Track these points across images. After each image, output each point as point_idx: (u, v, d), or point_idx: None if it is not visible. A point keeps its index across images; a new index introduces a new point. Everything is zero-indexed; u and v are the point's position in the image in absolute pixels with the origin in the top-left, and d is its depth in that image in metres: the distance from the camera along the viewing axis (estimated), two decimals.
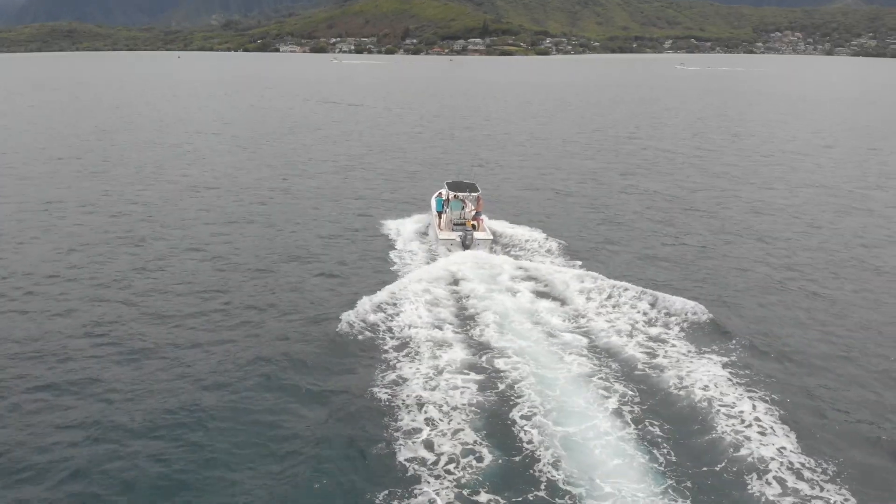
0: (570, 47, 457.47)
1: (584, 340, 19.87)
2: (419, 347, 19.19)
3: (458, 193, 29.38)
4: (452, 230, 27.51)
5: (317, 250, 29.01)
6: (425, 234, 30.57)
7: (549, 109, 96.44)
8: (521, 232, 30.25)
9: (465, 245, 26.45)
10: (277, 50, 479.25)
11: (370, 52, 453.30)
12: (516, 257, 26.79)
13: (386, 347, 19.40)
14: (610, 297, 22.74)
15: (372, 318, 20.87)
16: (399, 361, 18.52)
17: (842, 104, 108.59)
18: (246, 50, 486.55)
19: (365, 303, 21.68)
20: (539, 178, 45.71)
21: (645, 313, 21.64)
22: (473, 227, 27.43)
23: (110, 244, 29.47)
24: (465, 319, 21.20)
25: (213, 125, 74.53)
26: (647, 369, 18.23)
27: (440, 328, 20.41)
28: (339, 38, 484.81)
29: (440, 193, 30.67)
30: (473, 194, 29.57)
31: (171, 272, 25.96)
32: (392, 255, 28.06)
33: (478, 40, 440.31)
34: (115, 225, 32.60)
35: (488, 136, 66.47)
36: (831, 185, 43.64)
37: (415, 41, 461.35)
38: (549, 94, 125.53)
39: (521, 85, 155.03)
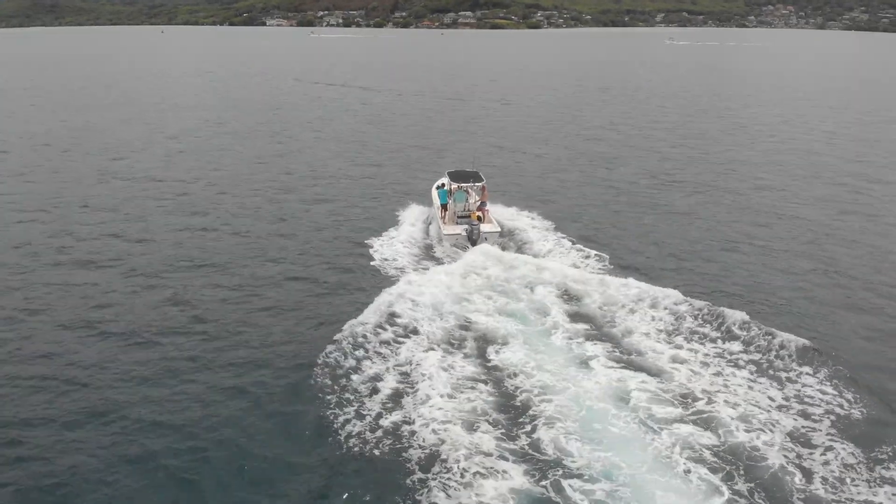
0: (561, 21, 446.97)
1: (705, 439, 13.45)
2: (446, 462, 12.71)
3: (462, 184, 27.23)
4: (457, 223, 25.91)
5: (302, 263, 23.84)
6: (427, 230, 27.31)
7: (550, 89, 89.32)
8: (536, 231, 26.40)
9: (472, 239, 24.25)
10: (264, 24, 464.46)
11: (359, 25, 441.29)
12: (549, 279, 20.78)
13: (401, 464, 12.86)
14: (703, 337, 17.24)
15: (379, 419, 14.48)
16: (422, 489, 12.05)
17: None
18: (232, 24, 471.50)
19: (356, 372, 15.72)
20: (546, 164, 40.03)
21: (767, 380, 15.61)
22: (479, 218, 25.33)
23: (63, 266, 23.62)
24: (514, 413, 14.42)
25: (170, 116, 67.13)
26: (796, 484, 12.19)
27: (475, 426, 13.84)
28: (326, 11, 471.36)
29: (442, 184, 28.34)
30: (478, 184, 27.29)
31: (146, 292, 21.25)
32: (389, 267, 23.06)
33: (468, 13, 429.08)
34: (78, 241, 26.18)
35: (487, 120, 59.28)
36: None
37: (404, 14, 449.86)
38: (548, 73, 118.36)
39: (519, 67, 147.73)
